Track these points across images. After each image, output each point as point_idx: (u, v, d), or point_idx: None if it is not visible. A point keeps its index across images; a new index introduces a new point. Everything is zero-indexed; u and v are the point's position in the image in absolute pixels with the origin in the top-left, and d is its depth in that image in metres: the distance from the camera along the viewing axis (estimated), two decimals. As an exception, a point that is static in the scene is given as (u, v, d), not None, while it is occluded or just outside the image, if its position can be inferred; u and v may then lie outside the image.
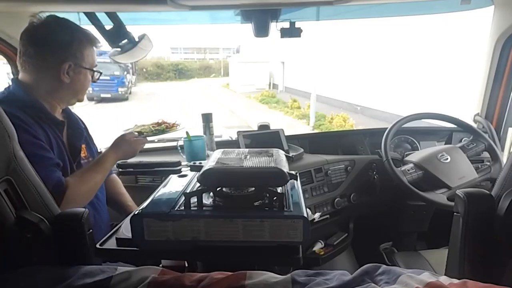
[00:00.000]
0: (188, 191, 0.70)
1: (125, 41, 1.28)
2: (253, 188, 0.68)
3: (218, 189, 0.68)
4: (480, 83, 1.71)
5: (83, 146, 1.15)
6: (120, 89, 14.00)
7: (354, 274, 0.52)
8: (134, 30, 1.30)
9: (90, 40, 1.08)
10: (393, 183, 1.45)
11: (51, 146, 0.99)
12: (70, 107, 1.17)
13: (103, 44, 1.21)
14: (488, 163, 1.56)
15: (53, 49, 1.02)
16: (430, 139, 1.81)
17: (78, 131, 1.15)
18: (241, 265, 0.55)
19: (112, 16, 1.25)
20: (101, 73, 1.15)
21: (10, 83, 1.05)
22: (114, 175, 1.34)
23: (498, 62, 1.60)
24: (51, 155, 0.97)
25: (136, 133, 1.23)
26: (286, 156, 0.77)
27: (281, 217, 0.61)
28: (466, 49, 6.03)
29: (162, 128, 1.34)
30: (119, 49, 1.28)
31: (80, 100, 1.14)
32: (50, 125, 1.02)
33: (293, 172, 0.67)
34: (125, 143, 1.15)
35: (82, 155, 1.13)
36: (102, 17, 1.24)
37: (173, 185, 0.77)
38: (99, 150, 1.27)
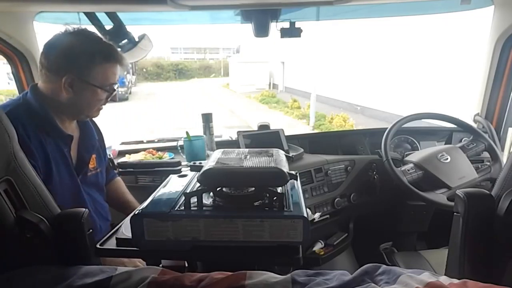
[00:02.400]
0: (188, 191, 0.70)
1: (125, 41, 1.28)
2: (253, 188, 0.68)
3: (218, 189, 0.68)
4: (480, 83, 1.71)
5: (94, 156, 1.13)
6: (120, 89, 13.98)
7: (354, 274, 0.52)
8: (134, 30, 1.31)
9: (106, 55, 1.00)
10: (393, 183, 1.45)
11: (47, 160, 0.96)
12: None
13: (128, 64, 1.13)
14: (488, 163, 1.56)
15: (60, 59, 0.97)
16: (430, 139, 1.81)
17: (89, 143, 1.12)
18: (241, 265, 0.55)
19: (112, 16, 1.25)
20: (115, 91, 1.07)
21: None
22: (118, 178, 1.32)
23: (498, 62, 1.60)
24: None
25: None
26: (286, 156, 0.77)
27: (281, 217, 0.61)
28: (466, 49, 6.03)
29: (159, 156, 1.53)
30: (119, 49, 1.28)
31: (90, 116, 1.09)
32: (54, 138, 1.00)
33: (293, 172, 0.67)
34: None
35: (90, 166, 1.11)
36: (102, 17, 1.24)
37: (173, 185, 0.77)
38: (108, 157, 1.26)
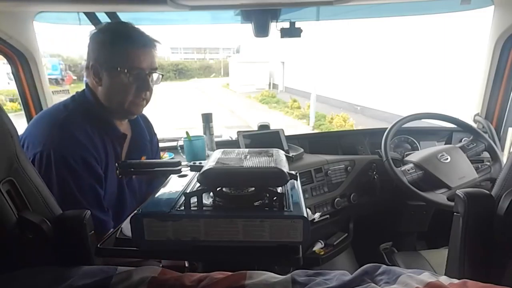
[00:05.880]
0: (188, 191, 0.70)
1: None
2: (253, 188, 0.68)
3: (218, 189, 0.68)
4: (480, 83, 1.71)
5: (143, 158, 1.10)
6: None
7: (354, 274, 0.52)
8: (134, 30, 1.30)
9: (124, 37, 0.93)
10: (393, 183, 1.45)
11: (106, 163, 0.94)
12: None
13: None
14: (488, 163, 1.56)
15: (89, 50, 0.95)
16: (430, 139, 1.81)
17: (140, 144, 1.08)
18: (241, 265, 0.55)
19: (112, 16, 1.25)
20: (147, 76, 0.96)
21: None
22: None
23: (498, 62, 1.60)
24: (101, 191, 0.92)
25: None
26: (286, 156, 0.77)
27: (281, 217, 0.61)
28: (466, 49, 6.03)
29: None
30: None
31: (130, 113, 1.00)
32: (112, 138, 0.98)
33: (293, 172, 0.67)
34: None
35: None
36: (102, 17, 1.24)
37: (173, 185, 0.77)
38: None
